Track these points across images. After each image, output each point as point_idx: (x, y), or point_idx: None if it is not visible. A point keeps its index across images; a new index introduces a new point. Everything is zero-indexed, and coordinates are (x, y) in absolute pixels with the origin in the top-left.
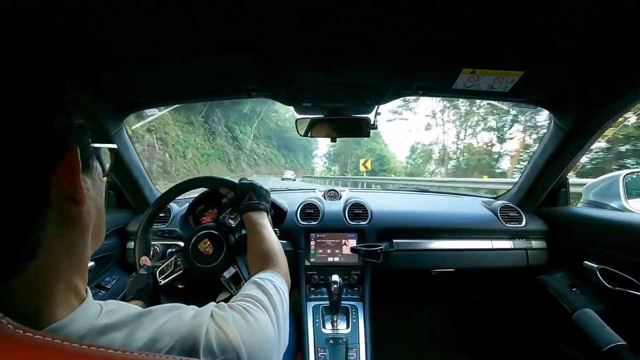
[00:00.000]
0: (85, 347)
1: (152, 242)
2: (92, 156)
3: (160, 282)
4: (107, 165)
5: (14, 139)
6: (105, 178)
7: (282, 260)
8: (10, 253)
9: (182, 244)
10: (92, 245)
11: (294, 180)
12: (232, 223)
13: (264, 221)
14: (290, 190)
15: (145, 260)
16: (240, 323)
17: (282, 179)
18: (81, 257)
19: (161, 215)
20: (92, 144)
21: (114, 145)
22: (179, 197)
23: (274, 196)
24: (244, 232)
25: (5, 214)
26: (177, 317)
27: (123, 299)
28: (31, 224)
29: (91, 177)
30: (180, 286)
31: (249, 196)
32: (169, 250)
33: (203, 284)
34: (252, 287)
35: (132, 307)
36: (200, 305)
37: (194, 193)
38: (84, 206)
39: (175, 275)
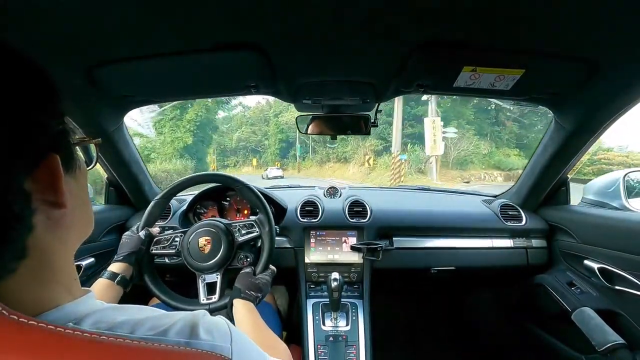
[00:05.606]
0: (79, 333)
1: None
2: (75, 155)
3: (152, 250)
4: (93, 159)
5: None
6: (95, 169)
7: (281, 346)
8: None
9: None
10: (82, 235)
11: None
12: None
13: (256, 313)
14: (291, 188)
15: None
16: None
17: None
18: (74, 249)
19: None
20: (73, 142)
21: (98, 140)
22: (179, 195)
23: (274, 192)
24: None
25: None
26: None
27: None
28: (14, 230)
29: (74, 177)
30: (168, 276)
31: (255, 286)
32: (167, 226)
33: (191, 279)
34: None
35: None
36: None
37: (194, 190)
38: (69, 208)
39: (168, 251)
